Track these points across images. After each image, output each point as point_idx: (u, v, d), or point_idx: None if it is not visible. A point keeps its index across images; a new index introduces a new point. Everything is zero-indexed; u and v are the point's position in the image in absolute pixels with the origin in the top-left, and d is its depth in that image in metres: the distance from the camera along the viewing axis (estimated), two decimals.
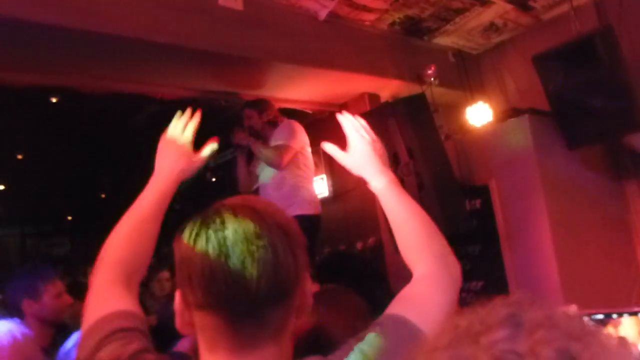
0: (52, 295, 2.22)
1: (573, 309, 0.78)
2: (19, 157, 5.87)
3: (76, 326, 2.39)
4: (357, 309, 1.46)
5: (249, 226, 0.80)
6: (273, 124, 3.53)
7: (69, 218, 9.68)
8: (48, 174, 6.42)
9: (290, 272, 0.81)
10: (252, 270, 0.77)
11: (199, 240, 0.80)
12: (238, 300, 0.77)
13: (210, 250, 0.77)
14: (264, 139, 3.55)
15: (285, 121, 3.56)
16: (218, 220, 0.80)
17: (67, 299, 2.26)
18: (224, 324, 0.78)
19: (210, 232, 0.79)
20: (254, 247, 0.78)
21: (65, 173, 6.48)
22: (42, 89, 3.36)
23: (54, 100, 4.02)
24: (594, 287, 3.05)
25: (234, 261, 0.77)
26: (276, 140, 3.44)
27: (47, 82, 3.19)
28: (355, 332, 0.92)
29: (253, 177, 3.63)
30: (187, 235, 0.82)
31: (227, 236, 0.78)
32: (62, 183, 6.96)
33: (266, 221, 0.82)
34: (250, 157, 3.67)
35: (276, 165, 3.29)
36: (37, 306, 2.18)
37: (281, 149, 3.30)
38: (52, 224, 9.71)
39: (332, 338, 1.25)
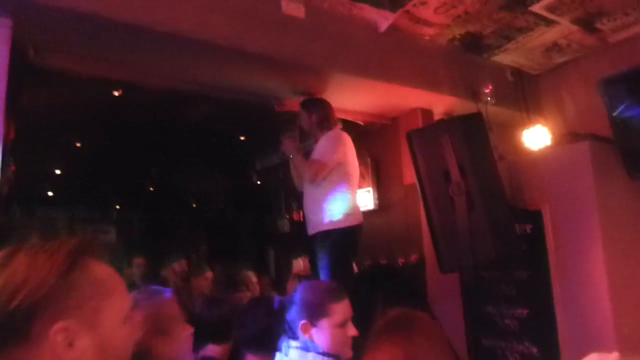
0: None
1: (614, 356, 0.73)
2: (78, 144, 6.11)
3: None
4: (448, 345, 1.42)
5: None
6: (322, 127, 3.47)
7: (117, 207, 10.01)
8: (102, 163, 6.66)
9: None
10: None
11: None
12: None
13: None
14: (310, 139, 3.54)
15: (333, 132, 3.47)
16: None
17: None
18: None
19: None
20: None
21: (118, 164, 6.71)
22: (105, 81, 3.49)
23: (115, 93, 4.16)
24: None
25: None
26: (317, 149, 3.41)
27: (111, 75, 3.31)
28: None
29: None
30: None
31: None
32: (114, 173, 7.20)
33: None
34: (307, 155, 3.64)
35: (308, 181, 3.36)
36: None
37: (314, 166, 3.31)
38: (100, 211, 10.06)
39: None
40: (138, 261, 4.86)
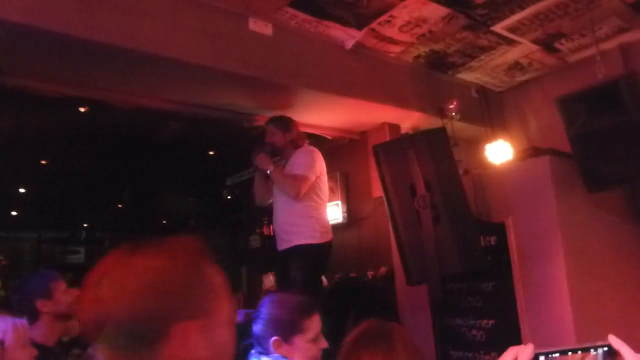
0: (61, 290, 2.41)
1: (530, 347, 0.80)
2: (43, 162, 5.99)
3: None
4: (422, 356, 1.46)
5: None
6: (295, 145, 3.54)
7: (85, 225, 9.81)
8: (69, 181, 6.55)
9: None
10: None
11: None
12: None
13: None
14: (283, 157, 3.58)
15: (307, 148, 3.55)
16: None
17: (74, 291, 2.41)
18: None
19: None
20: None
21: (86, 182, 6.60)
22: (72, 99, 3.46)
23: (82, 110, 4.12)
24: (608, 329, 2.98)
25: None
26: (293, 164, 3.45)
27: (77, 93, 3.29)
28: None
29: (269, 192, 3.63)
30: None
31: None
32: (82, 192, 7.08)
33: None
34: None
35: (292, 196, 3.35)
36: (51, 303, 2.36)
37: (298, 181, 3.33)
38: (68, 231, 9.84)
39: None
40: None
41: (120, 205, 8.22)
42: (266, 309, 2.03)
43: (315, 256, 3.32)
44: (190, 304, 0.88)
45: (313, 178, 3.38)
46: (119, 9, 2.70)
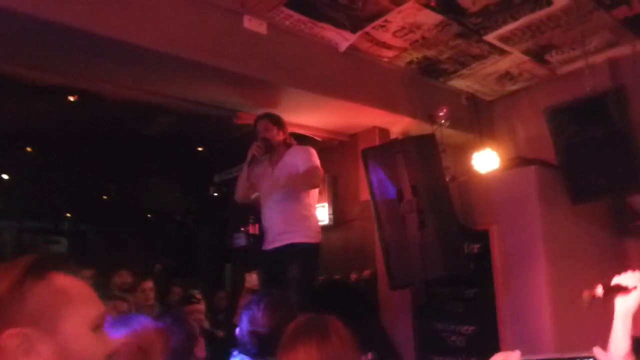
0: None
1: (516, 354, 0.83)
2: (28, 149, 5.91)
3: None
4: (356, 344, 1.51)
5: None
6: (286, 144, 3.52)
7: (68, 216, 9.68)
8: (54, 170, 6.46)
9: None
10: None
11: None
12: None
13: None
14: (273, 155, 3.52)
15: (301, 146, 3.55)
16: None
17: None
18: None
19: None
20: None
21: (72, 171, 6.52)
22: (61, 89, 3.43)
23: (71, 98, 4.07)
24: (588, 339, 3.02)
25: None
26: (290, 163, 3.41)
27: (66, 83, 3.26)
28: None
29: (252, 189, 3.59)
30: None
31: None
32: (67, 181, 6.99)
33: None
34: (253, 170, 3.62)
35: (316, 186, 3.40)
36: None
37: (318, 172, 3.35)
38: (51, 221, 9.71)
39: None
40: (86, 274, 4.68)
41: (105, 197, 8.15)
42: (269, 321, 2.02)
43: (313, 256, 3.32)
44: (14, 311, 0.87)
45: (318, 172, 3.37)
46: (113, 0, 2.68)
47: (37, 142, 5.64)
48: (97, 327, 0.95)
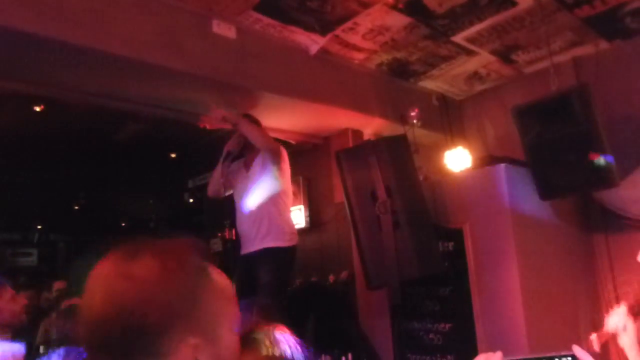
0: (6, 299, 2.31)
1: (498, 355, 0.84)
2: None
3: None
4: None
5: None
6: None
7: (39, 227, 9.47)
8: (23, 181, 6.31)
9: None
10: None
11: None
12: None
13: None
14: (248, 155, 3.48)
15: None
16: None
17: (22, 300, 2.30)
18: None
19: None
20: None
21: (41, 182, 6.38)
22: (27, 97, 3.35)
23: (37, 109, 3.99)
24: (558, 332, 3.10)
25: None
26: (264, 161, 3.38)
27: (32, 91, 3.19)
28: None
29: (226, 186, 3.54)
30: None
31: None
32: (36, 192, 6.83)
33: None
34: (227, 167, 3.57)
35: (275, 150, 3.28)
36: None
37: (276, 146, 3.31)
38: (20, 233, 9.47)
39: None
40: (59, 285, 4.61)
41: (76, 207, 7.99)
42: None
43: (285, 259, 3.27)
44: (192, 318, 0.81)
45: (281, 151, 3.31)
46: (77, 5, 2.63)
47: (3, 152, 5.49)
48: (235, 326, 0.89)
